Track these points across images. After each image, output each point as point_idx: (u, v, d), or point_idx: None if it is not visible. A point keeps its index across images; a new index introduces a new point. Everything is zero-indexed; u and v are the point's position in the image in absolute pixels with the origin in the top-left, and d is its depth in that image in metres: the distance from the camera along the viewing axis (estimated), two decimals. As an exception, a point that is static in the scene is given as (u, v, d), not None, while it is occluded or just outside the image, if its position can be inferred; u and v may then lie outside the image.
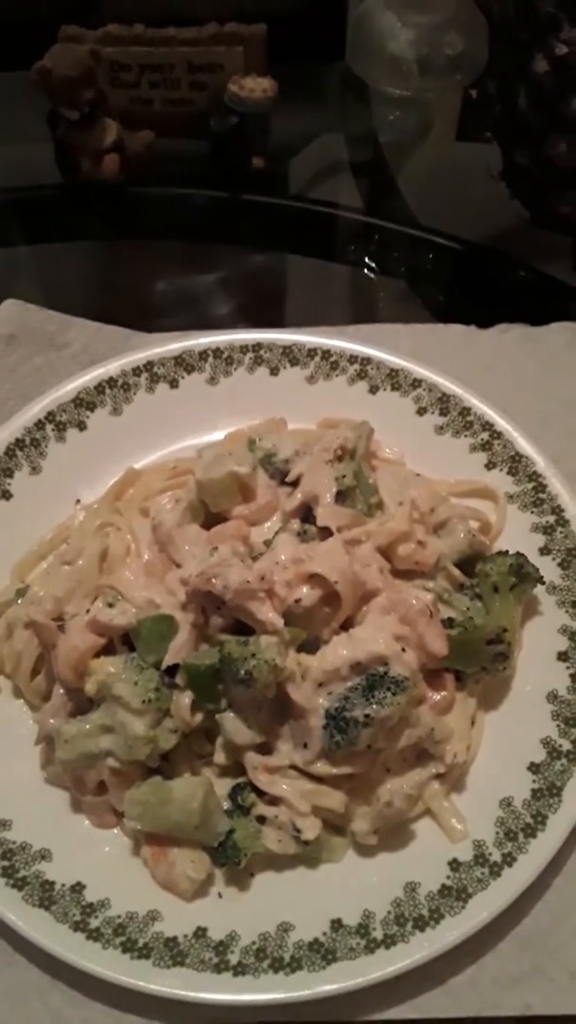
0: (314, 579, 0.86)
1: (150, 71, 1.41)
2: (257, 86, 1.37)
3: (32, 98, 1.36)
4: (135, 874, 0.85)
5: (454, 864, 0.83)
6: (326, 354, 1.14)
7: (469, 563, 0.96)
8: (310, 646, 0.87)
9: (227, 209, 1.45)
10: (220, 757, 0.87)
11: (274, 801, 0.85)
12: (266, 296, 1.40)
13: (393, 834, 0.86)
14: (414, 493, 0.97)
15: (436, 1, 1.44)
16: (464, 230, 1.41)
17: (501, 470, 1.05)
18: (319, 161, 1.56)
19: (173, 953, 0.79)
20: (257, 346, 1.15)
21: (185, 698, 0.85)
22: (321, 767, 0.84)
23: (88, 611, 0.90)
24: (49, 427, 1.09)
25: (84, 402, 1.11)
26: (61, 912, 0.81)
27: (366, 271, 1.42)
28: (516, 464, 1.05)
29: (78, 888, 0.83)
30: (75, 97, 1.34)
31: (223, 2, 1.45)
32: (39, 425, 1.09)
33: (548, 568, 0.96)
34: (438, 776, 0.87)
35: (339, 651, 0.85)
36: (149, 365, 1.13)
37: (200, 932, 0.81)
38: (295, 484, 0.98)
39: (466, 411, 1.09)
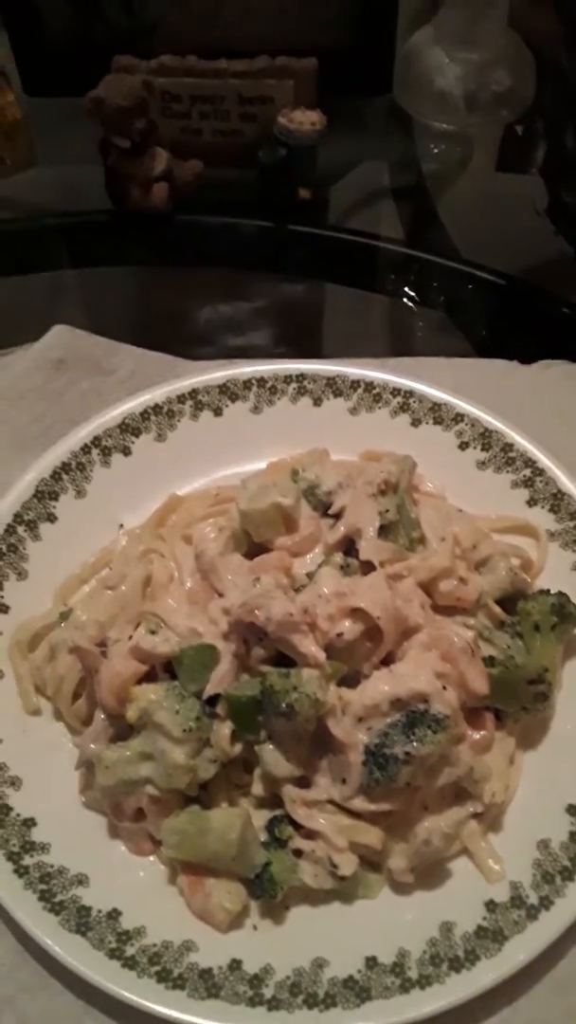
0: (356, 613, 0.87)
1: (201, 102, 1.43)
2: (306, 119, 1.39)
3: (85, 125, 1.38)
4: (171, 902, 0.85)
5: (490, 905, 0.83)
6: (369, 386, 1.15)
7: (510, 601, 0.96)
8: (351, 680, 0.87)
9: (272, 239, 1.47)
10: (258, 789, 0.87)
11: (311, 835, 0.85)
12: (308, 325, 1.42)
13: (429, 873, 0.85)
14: (456, 529, 0.98)
15: (484, 38, 1.46)
16: (506, 264, 1.41)
17: (543, 507, 1.05)
18: (363, 192, 1.57)
19: (208, 985, 0.80)
20: (301, 376, 1.16)
21: (225, 728, 0.86)
22: (359, 803, 0.84)
23: (131, 637, 0.90)
24: (95, 451, 1.10)
25: (129, 427, 1.12)
26: (97, 939, 0.81)
27: (407, 302, 1.42)
28: (558, 501, 1.05)
29: (114, 915, 0.83)
30: (127, 126, 1.36)
31: (274, 35, 1.47)
32: (85, 449, 1.10)
33: (589, 608, 0.96)
34: (476, 815, 0.87)
35: (380, 686, 0.85)
36: (194, 393, 1.15)
37: (235, 964, 0.81)
38: (338, 516, 0.99)
39: (508, 447, 1.09)
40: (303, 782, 0.86)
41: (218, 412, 1.15)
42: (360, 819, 0.85)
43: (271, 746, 0.85)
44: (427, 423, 1.12)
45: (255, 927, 0.84)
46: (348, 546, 0.96)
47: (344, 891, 0.85)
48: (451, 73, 1.48)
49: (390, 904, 0.85)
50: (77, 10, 1.51)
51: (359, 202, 1.56)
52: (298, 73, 1.39)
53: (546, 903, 0.82)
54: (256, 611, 0.86)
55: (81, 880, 0.85)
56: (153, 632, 0.90)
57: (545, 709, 0.91)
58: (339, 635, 0.86)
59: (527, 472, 1.08)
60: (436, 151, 1.60)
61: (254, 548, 0.98)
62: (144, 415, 1.13)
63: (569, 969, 0.83)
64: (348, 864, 0.83)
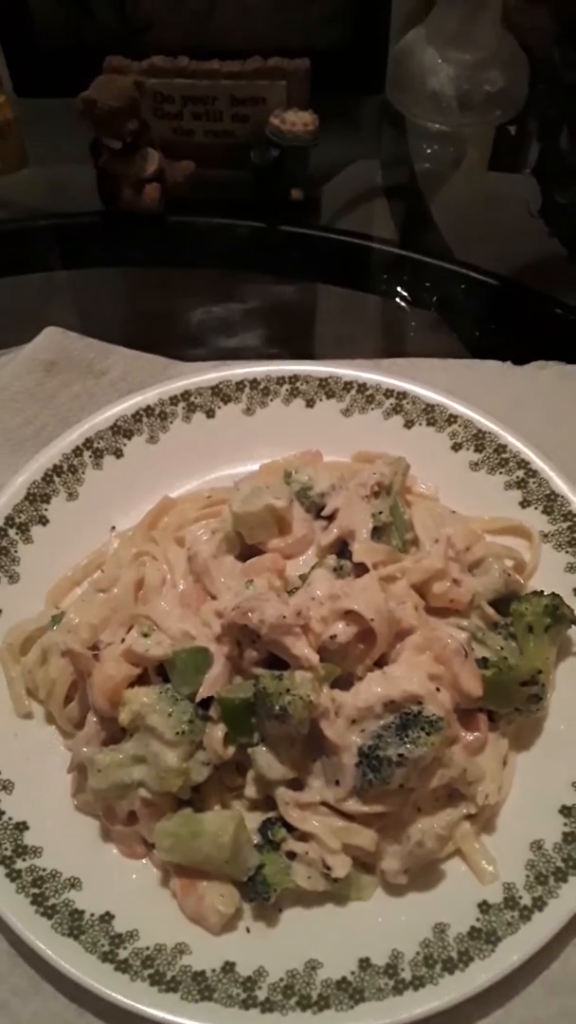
0: (350, 615, 0.87)
1: (193, 103, 1.43)
2: (299, 120, 1.38)
3: (76, 126, 1.38)
4: (163, 905, 0.85)
5: (484, 906, 0.83)
6: (362, 387, 1.15)
7: (503, 602, 0.96)
8: (344, 683, 0.87)
9: (265, 239, 1.47)
10: (251, 791, 0.87)
11: (304, 837, 0.85)
12: (301, 325, 1.41)
13: (423, 874, 0.85)
14: (450, 530, 0.97)
15: (477, 38, 1.45)
16: (500, 264, 1.41)
17: (536, 508, 1.05)
18: (355, 192, 1.57)
19: (201, 987, 0.79)
20: (294, 378, 1.16)
21: (218, 731, 0.85)
22: (352, 805, 0.84)
23: (123, 640, 0.90)
24: (87, 454, 1.10)
25: (121, 430, 1.12)
26: (90, 942, 0.81)
27: (400, 302, 1.42)
28: (551, 503, 1.05)
29: (107, 918, 0.83)
30: (118, 127, 1.35)
31: (267, 36, 1.47)
32: (77, 452, 1.10)
33: (583, 610, 0.96)
34: (469, 817, 0.87)
35: (373, 688, 0.85)
36: (186, 394, 1.14)
37: (228, 967, 0.81)
38: (331, 518, 0.99)
39: (501, 448, 1.09)
40: (296, 784, 0.86)
41: (210, 414, 1.14)
42: (353, 821, 0.85)
43: (264, 748, 0.85)
44: (420, 424, 1.12)
45: (248, 929, 0.84)
46: (341, 548, 0.96)
47: (337, 893, 0.84)
48: (444, 73, 1.47)
49: (383, 905, 0.85)
50: (69, 11, 1.50)
51: (352, 202, 1.55)
52: (290, 74, 1.39)
53: (539, 904, 0.82)
54: (249, 613, 0.86)
55: (74, 883, 0.85)
56: (146, 635, 0.90)
57: (538, 710, 0.91)
58: (332, 637, 0.86)
59: (520, 473, 1.07)
60: (429, 151, 1.60)
61: (247, 550, 0.98)
62: (136, 417, 1.13)
63: (562, 970, 0.83)
64: (341, 866, 0.83)
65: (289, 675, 0.84)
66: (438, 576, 0.92)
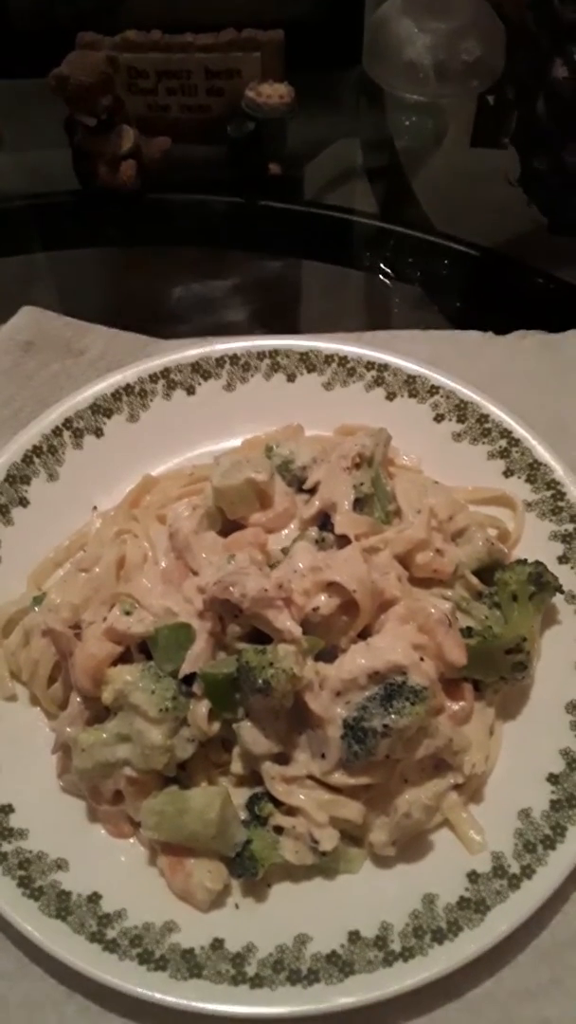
0: (332, 587, 0.86)
1: (167, 77, 1.41)
2: (274, 92, 1.37)
3: (50, 104, 1.36)
4: (151, 884, 0.85)
5: (472, 876, 0.83)
6: (343, 360, 1.14)
7: (487, 571, 0.95)
8: (328, 655, 0.86)
9: (243, 215, 1.45)
10: (237, 767, 0.86)
11: (291, 811, 0.84)
12: (282, 302, 1.40)
13: (411, 845, 0.85)
14: (432, 501, 0.97)
15: (454, 7, 1.44)
16: (481, 236, 1.40)
17: (519, 477, 1.04)
18: (335, 166, 1.55)
19: (190, 965, 0.79)
20: (274, 352, 1.15)
21: (202, 707, 0.85)
22: (339, 777, 0.84)
23: (105, 619, 0.89)
24: (66, 434, 1.09)
25: (101, 409, 1.11)
26: (78, 923, 0.81)
27: (382, 277, 1.41)
28: (534, 472, 1.04)
29: (94, 898, 0.83)
30: (92, 104, 1.34)
31: (240, 8, 1.45)
32: (56, 432, 1.08)
33: (567, 577, 0.96)
34: (456, 787, 0.86)
35: (357, 660, 0.84)
36: (166, 372, 1.13)
37: (217, 943, 0.80)
38: (312, 491, 0.98)
39: (484, 418, 1.08)
40: (282, 758, 0.85)
41: (191, 391, 1.13)
42: (340, 794, 0.84)
43: (249, 723, 0.85)
44: (402, 396, 1.11)
45: (237, 906, 0.83)
46: (323, 520, 0.96)
47: (326, 866, 0.84)
48: (420, 43, 1.46)
49: (372, 878, 0.84)
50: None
51: (332, 177, 1.54)
52: (265, 45, 1.37)
53: (528, 872, 0.82)
54: (231, 588, 0.85)
55: (60, 865, 0.85)
56: (128, 613, 0.89)
57: (524, 679, 0.90)
58: (315, 610, 0.85)
59: (503, 443, 1.07)
60: (408, 123, 1.59)
61: (228, 525, 0.97)
62: (116, 396, 1.12)
63: (552, 938, 0.83)
64: (329, 839, 0.83)
65: (272, 649, 0.83)
66: (421, 546, 0.92)
